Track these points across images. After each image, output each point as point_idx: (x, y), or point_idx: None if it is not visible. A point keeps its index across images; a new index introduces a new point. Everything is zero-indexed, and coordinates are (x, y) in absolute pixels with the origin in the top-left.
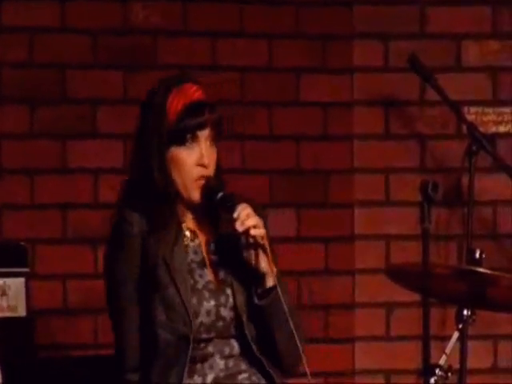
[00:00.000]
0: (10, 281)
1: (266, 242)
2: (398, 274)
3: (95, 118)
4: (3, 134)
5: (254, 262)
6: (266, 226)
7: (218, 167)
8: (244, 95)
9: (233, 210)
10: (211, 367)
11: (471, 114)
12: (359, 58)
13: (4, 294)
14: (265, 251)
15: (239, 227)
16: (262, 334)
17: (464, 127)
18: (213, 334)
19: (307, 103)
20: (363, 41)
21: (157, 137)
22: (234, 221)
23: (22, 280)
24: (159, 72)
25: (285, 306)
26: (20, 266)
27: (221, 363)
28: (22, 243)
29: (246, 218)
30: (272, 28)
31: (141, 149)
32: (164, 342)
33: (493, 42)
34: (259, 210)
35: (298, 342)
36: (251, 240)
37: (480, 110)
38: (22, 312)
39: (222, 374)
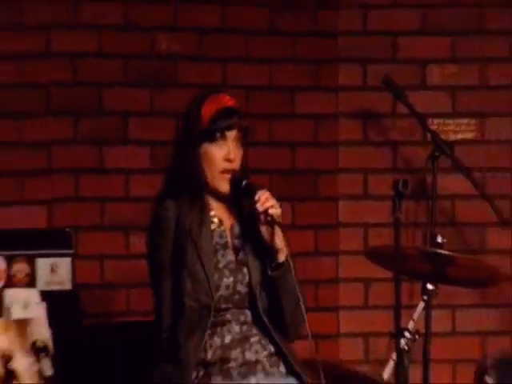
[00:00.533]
0: (58, 260)
1: (280, 222)
2: (375, 255)
3: (126, 127)
4: (52, 141)
5: (270, 238)
6: None
7: (244, 164)
8: (248, 109)
9: (254, 193)
10: (229, 331)
11: (434, 124)
12: (343, 78)
13: (54, 271)
14: (280, 228)
15: (260, 207)
16: (271, 305)
17: (428, 135)
18: (230, 305)
19: (301, 115)
20: (346, 65)
21: (192, 135)
22: (255, 203)
23: (68, 260)
24: (179, 90)
25: (294, 278)
26: (66, 248)
27: (236, 328)
28: (68, 230)
29: (265, 200)
30: (272, 54)
31: (178, 146)
32: (189, 308)
33: (451, 66)
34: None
35: (302, 308)
36: (269, 218)
37: (441, 121)
38: (68, 286)
39: (237, 337)
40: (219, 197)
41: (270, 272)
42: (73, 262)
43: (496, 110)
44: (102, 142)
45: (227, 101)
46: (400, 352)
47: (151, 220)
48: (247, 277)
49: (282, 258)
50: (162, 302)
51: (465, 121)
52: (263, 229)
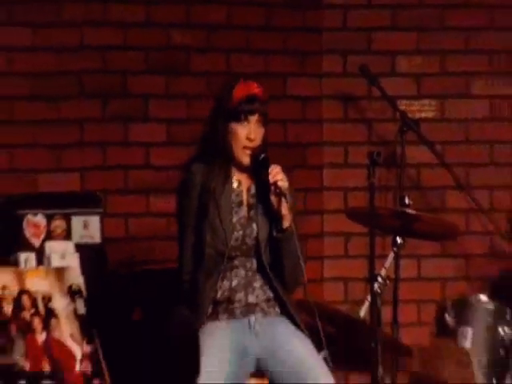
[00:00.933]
0: (89, 218)
1: (287, 193)
2: (353, 214)
3: (147, 108)
4: (84, 119)
5: (276, 206)
6: (291, 194)
7: (265, 142)
8: None
9: (268, 166)
10: (236, 275)
11: (402, 105)
12: (326, 66)
13: (86, 227)
14: (285, 199)
15: (271, 179)
16: (274, 261)
17: (397, 114)
18: (239, 253)
19: (291, 97)
20: (328, 55)
21: (222, 113)
22: (268, 174)
23: (97, 218)
24: (191, 77)
25: (296, 242)
26: (96, 208)
27: (242, 273)
28: (98, 193)
29: (276, 174)
30: (267, 46)
31: (211, 122)
32: (208, 256)
33: (416, 57)
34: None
35: (302, 268)
36: (277, 190)
37: (408, 102)
38: (97, 239)
39: (242, 281)
40: (241, 167)
41: (275, 234)
42: (102, 220)
43: (453, 93)
44: (126, 120)
45: (254, 88)
46: (374, 294)
47: (179, 184)
48: (255, 232)
49: (286, 224)
50: (185, 252)
51: (427, 102)
52: (272, 197)
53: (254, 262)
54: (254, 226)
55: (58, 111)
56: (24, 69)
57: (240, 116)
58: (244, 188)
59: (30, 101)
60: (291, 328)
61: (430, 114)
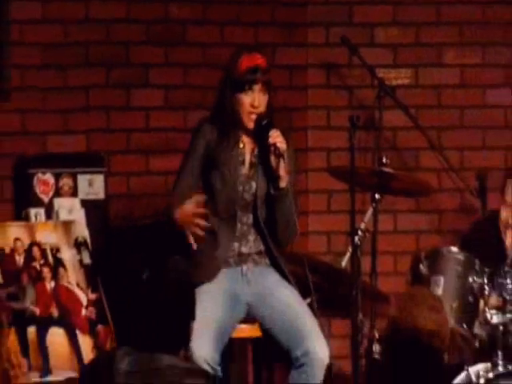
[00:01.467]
0: (94, 176)
1: (285, 155)
2: (335, 172)
3: (147, 75)
4: (89, 85)
5: (275, 166)
6: (290, 155)
7: (270, 109)
8: None
9: (270, 130)
10: (232, 228)
11: (380, 73)
12: (311, 37)
13: (91, 184)
14: (283, 160)
15: (271, 140)
16: (269, 217)
17: (375, 81)
18: (237, 207)
19: (279, 66)
20: (314, 27)
21: (229, 84)
22: (268, 137)
23: (101, 176)
24: (187, 47)
25: (291, 202)
26: (100, 167)
27: (238, 226)
28: (102, 153)
29: (276, 136)
30: (257, 19)
31: (220, 91)
32: (220, 202)
33: (393, 29)
34: (288, 137)
35: (295, 224)
36: (277, 151)
37: (385, 70)
38: (101, 196)
39: (237, 234)
40: (246, 131)
41: (272, 192)
42: (105, 178)
43: (427, 61)
44: (128, 87)
45: (257, 59)
46: (354, 246)
47: (191, 136)
48: (253, 189)
49: (282, 184)
50: (179, 183)
51: (403, 70)
52: (272, 158)
53: (251, 217)
54: (253, 183)
55: (65, 79)
56: (35, 40)
57: (244, 86)
58: (248, 149)
59: (40, 69)
60: (280, 278)
61: (406, 81)
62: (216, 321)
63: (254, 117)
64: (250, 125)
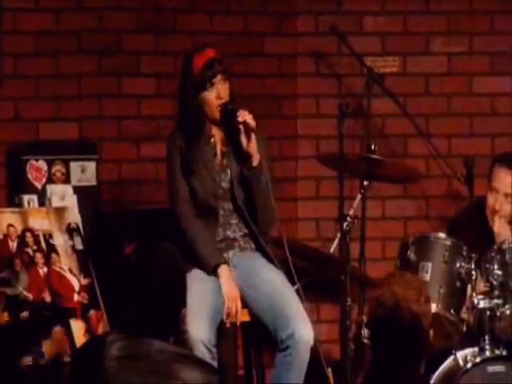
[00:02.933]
0: (86, 163)
1: (255, 130)
2: (324, 159)
3: (138, 63)
4: (82, 73)
5: (246, 145)
6: (260, 141)
7: (232, 95)
8: (229, 50)
9: (236, 111)
10: (215, 215)
11: (368, 61)
12: (301, 26)
13: (83, 171)
14: (255, 135)
15: (240, 119)
16: (247, 201)
17: (364, 69)
18: (218, 198)
19: (268, 55)
20: (303, 16)
21: (188, 87)
22: (237, 117)
23: (93, 163)
24: (177, 35)
25: (267, 182)
26: (92, 154)
27: (221, 212)
28: (94, 141)
29: (244, 114)
30: (247, 8)
31: (182, 98)
32: (200, 200)
33: (381, 18)
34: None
35: (273, 206)
36: (247, 127)
37: (374, 58)
38: (93, 182)
39: (221, 220)
40: (215, 123)
41: (244, 171)
42: (97, 165)
43: (415, 50)
44: (120, 74)
45: (208, 53)
46: (343, 232)
47: (166, 149)
48: (229, 176)
49: (255, 162)
50: (178, 185)
51: (391, 58)
52: (242, 137)
53: (230, 204)
54: (228, 170)
55: (57, 67)
56: (27, 28)
57: (206, 84)
58: (218, 140)
59: (33, 57)
60: (266, 262)
61: (394, 69)
62: (208, 304)
63: (219, 107)
64: (217, 115)
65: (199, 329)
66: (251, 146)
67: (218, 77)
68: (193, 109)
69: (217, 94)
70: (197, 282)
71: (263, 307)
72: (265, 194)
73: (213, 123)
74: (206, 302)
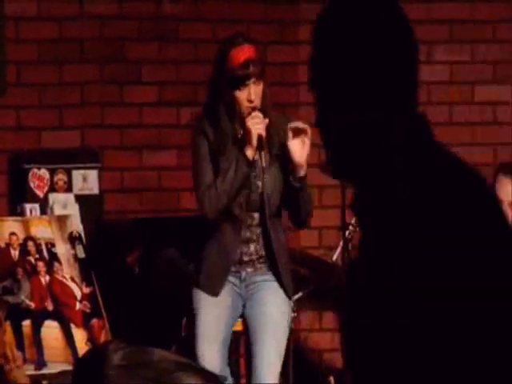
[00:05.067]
0: (88, 172)
1: (306, 137)
2: (327, 168)
3: (140, 71)
4: (84, 81)
5: (295, 152)
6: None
7: (264, 97)
8: None
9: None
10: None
11: None
12: (303, 34)
13: (85, 180)
14: (307, 144)
15: (292, 125)
16: (289, 209)
17: None
18: (243, 209)
19: (271, 63)
20: (305, 25)
21: (221, 82)
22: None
23: (95, 171)
24: (180, 44)
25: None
26: (95, 163)
27: (243, 229)
28: (96, 149)
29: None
30: (250, 17)
31: (211, 89)
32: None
33: None
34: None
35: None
36: (297, 131)
37: None
38: (95, 190)
39: (242, 238)
40: (249, 135)
41: (293, 182)
42: (99, 173)
43: None
44: (122, 83)
45: (246, 52)
46: (345, 240)
47: (192, 138)
48: (260, 187)
49: (302, 172)
50: (202, 173)
51: None
52: (291, 143)
53: (257, 217)
54: (259, 182)
55: (60, 75)
56: (30, 36)
57: (238, 83)
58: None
59: (35, 65)
60: (277, 286)
61: None
62: (220, 331)
63: (250, 110)
64: (254, 129)
65: (212, 362)
66: (303, 154)
67: (252, 79)
68: (222, 103)
69: (248, 95)
70: (204, 307)
71: (251, 332)
72: (309, 199)
73: (242, 125)
74: (218, 330)
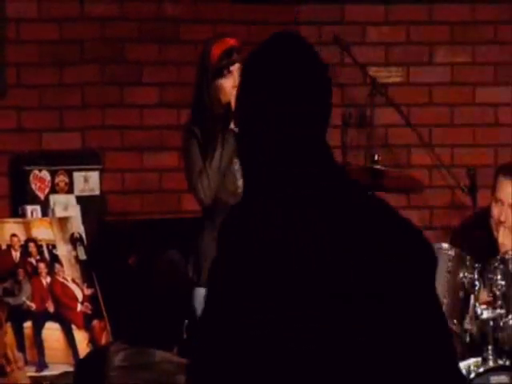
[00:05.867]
0: (90, 173)
1: None
2: None
3: (141, 73)
4: (85, 83)
5: None
6: None
7: None
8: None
9: None
10: None
11: (372, 71)
12: (304, 36)
13: (86, 181)
14: None
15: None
16: None
17: (367, 79)
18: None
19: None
20: (306, 26)
21: (206, 74)
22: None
23: (97, 172)
24: (180, 45)
25: None
26: (96, 164)
27: None
28: (97, 151)
29: None
30: (249, 18)
31: (198, 84)
32: (217, 197)
33: (385, 27)
34: None
35: None
36: None
37: (377, 68)
38: (96, 191)
39: None
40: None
41: None
42: (100, 175)
43: (418, 60)
44: (123, 84)
45: (228, 41)
46: None
47: (183, 141)
48: None
49: None
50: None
51: (394, 68)
52: None
53: None
54: None
55: (61, 76)
56: (30, 37)
57: (223, 71)
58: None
59: (36, 67)
60: None
61: (397, 79)
62: None
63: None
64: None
65: None
66: None
67: (236, 65)
68: (208, 95)
69: (233, 81)
70: None
71: None
72: None
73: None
74: None
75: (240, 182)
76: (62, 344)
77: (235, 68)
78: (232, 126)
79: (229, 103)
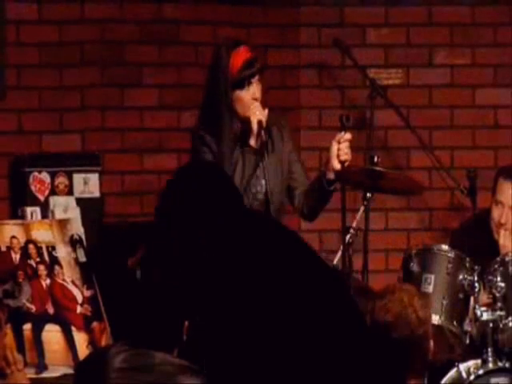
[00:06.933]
0: (89, 175)
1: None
2: None
3: (141, 75)
4: (85, 85)
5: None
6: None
7: (263, 95)
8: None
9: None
10: None
11: (372, 72)
12: (303, 38)
13: (86, 183)
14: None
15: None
16: (308, 208)
17: (367, 81)
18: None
19: (272, 66)
20: (306, 28)
21: (223, 84)
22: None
23: (96, 175)
24: (180, 46)
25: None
26: (95, 166)
27: None
28: (97, 152)
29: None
30: (250, 20)
31: (212, 92)
32: None
33: (384, 30)
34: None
35: None
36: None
37: (377, 70)
38: (96, 194)
39: None
40: (250, 125)
41: (327, 187)
42: (100, 177)
43: (417, 62)
44: (122, 86)
45: (246, 53)
46: (346, 244)
47: (193, 147)
48: (264, 188)
49: (331, 175)
50: None
51: (394, 70)
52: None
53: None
54: (263, 181)
55: (61, 78)
56: (30, 40)
57: (244, 82)
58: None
59: (36, 69)
60: None
61: (397, 81)
62: None
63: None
64: (254, 116)
65: None
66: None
67: (257, 77)
68: (224, 105)
69: (252, 94)
70: None
71: None
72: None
73: (247, 125)
74: None
75: (259, 195)
76: (62, 346)
77: (255, 80)
78: (252, 141)
79: (247, 118)
